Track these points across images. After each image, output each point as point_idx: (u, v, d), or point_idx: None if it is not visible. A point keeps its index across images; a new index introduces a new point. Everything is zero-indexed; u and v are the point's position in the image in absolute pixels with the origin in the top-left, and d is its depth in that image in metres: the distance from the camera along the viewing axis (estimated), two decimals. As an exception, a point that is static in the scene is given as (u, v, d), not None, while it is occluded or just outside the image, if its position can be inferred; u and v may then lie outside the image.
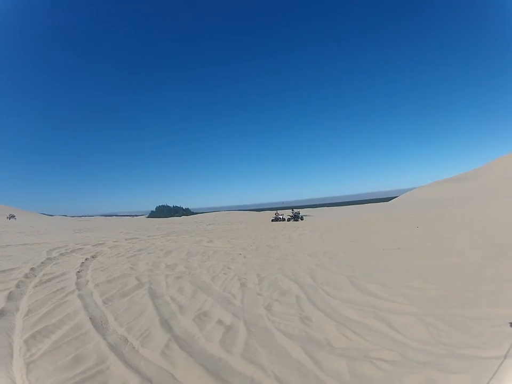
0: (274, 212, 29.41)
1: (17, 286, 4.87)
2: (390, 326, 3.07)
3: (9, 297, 4.27)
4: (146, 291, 4.60)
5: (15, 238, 13.40)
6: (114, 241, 11.32)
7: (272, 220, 25.43)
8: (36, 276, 5.60)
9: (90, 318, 3.51)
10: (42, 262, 6.84)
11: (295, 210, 27.61)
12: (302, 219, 25.39)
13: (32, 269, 6.06)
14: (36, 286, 4.93)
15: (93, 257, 7.82)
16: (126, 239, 12.16)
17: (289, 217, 25.67)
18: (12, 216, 36.43)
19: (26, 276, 5.51)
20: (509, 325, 2.76)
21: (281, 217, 25.88)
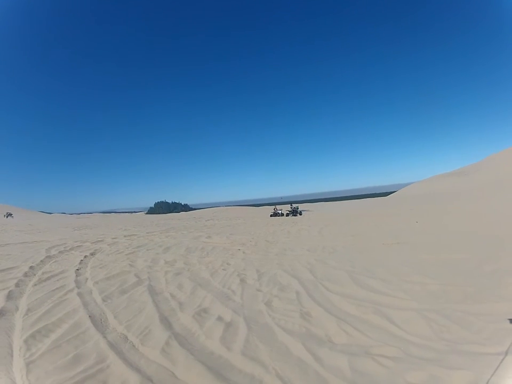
0: (273, 207, 29.47)
1: (17, 285, 4.85)
2: (391, 321, 3.06)
3: (9, 296, 4.24)
4: (145, 288, 4.58)
5: (14, 236, 13.36)
6: (113, 238, 11.29)
7: (271, 215, 25.48)
8: (35, 275, 5.58)
9: (89, 316, 3.49)
10: (41, 260, 6.81)
11: (294, 205, 27.69)
12: (300, 214, 25.44)
13: (31, 267, 6.03)
14: (35, 285, 4.91)
15: (92, 254, 7.79)
16: (124, 236, 12.14)
17: (288, 212, 25.72)
18: (9, 214, 36.37)
19: (25, 275, 5.48)
20: (510, 321, 2.75)
21: (279, 212, 25.93)
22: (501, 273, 4.25)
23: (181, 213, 50.19)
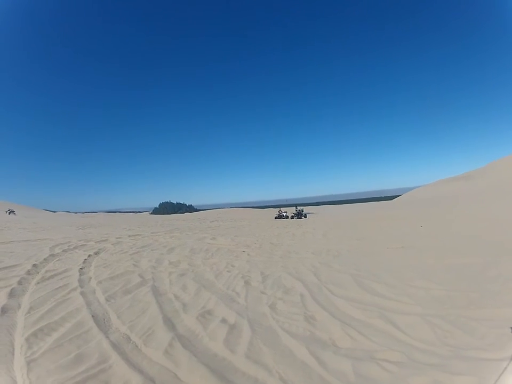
0: (278, 209, 29.43)
1: (19, 282, 4.87)
2: (395, 326, 3.03)
3: (11, 294, 4.26)
4: (149, 288, 4.59)
5: (17, 234, 13.45)
6: (117, 238, 11.32)
7: (276, 217, 25.42)
8: (38, 273, 5.60)
9: (92, 316, 3.49)
10: (44, 259, 6.84)
11: (299, 207, 27.60)
12: (305, 217, 25.36)
13: (34, 265, 6.06)
14: (38, 283, 4.92)
15: (95, 253, 7.82)
16: (129, 236, 12.17)
17: (293, 214, 25.64)
18: (12, 211, 36.60)
19: (28, 273, 5.51)
20: None
21: (284, 214, 25.87)
22: (505, 279, 4.20)
23: (186, 213, 50.23)
